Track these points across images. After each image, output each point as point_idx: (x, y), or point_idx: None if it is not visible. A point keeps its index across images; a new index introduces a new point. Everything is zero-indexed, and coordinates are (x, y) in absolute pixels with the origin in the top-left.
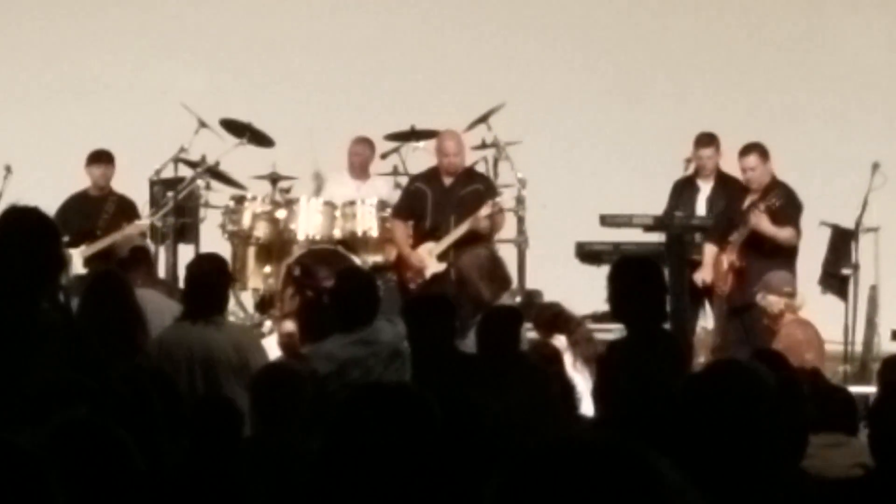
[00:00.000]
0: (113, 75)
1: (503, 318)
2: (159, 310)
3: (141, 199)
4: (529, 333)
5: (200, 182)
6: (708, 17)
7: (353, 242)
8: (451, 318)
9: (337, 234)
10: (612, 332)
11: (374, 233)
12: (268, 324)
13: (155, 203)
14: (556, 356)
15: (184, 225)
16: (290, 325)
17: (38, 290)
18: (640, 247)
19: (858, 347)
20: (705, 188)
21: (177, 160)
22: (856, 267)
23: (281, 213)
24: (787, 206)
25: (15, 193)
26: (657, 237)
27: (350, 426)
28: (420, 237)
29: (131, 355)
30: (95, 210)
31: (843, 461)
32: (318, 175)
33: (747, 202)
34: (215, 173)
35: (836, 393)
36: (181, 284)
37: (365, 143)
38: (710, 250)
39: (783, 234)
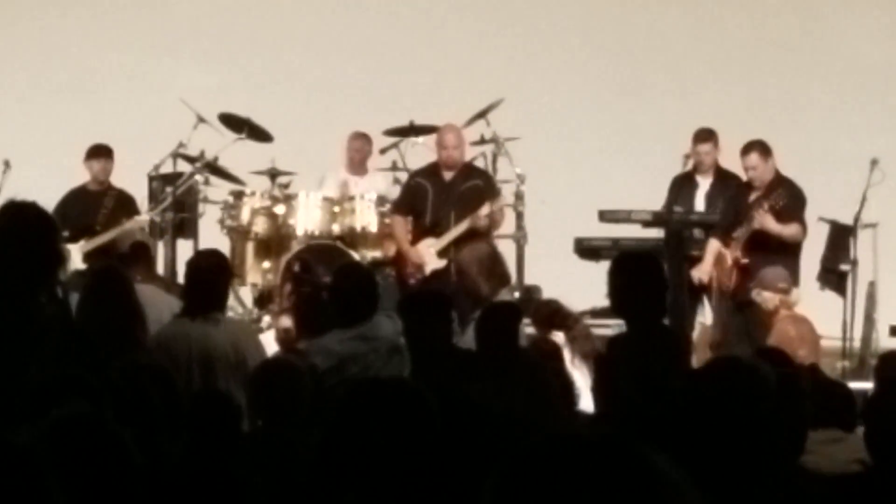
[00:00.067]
0: (112, 71)
1: (502, 314)
2: (158, 306)
3: (140, 195)
4: (528, 329)
5: (199, 177)
6: (707, 14)
7: (351, 238)
8: (448, 314)
9: (336, 229)
10: (611, 327)
11: (373, 228)
12: (266, 319)
13: (154, 198)
14: (555, 352)
15: (182, 220)
16: (286, 321)
17: (37, 285)
18: (639, 242)
19: (857, 343)
20: (704, 184)
21: (175, 155)
22: (854, 263)
23: (280, 209)
24: (791, 203)
25: (14, 188)
26: (656, 233)
27: (348, 421)
28: (420, 233)
29: (131, 351)
30: (95, 205)
31: (841, 457)
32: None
33: (752, 198)
34: (214, 168)
35: (835, 388)
36: (180, 280)
37: (363, 139)
38: (713, 245)
39: (788, 231)
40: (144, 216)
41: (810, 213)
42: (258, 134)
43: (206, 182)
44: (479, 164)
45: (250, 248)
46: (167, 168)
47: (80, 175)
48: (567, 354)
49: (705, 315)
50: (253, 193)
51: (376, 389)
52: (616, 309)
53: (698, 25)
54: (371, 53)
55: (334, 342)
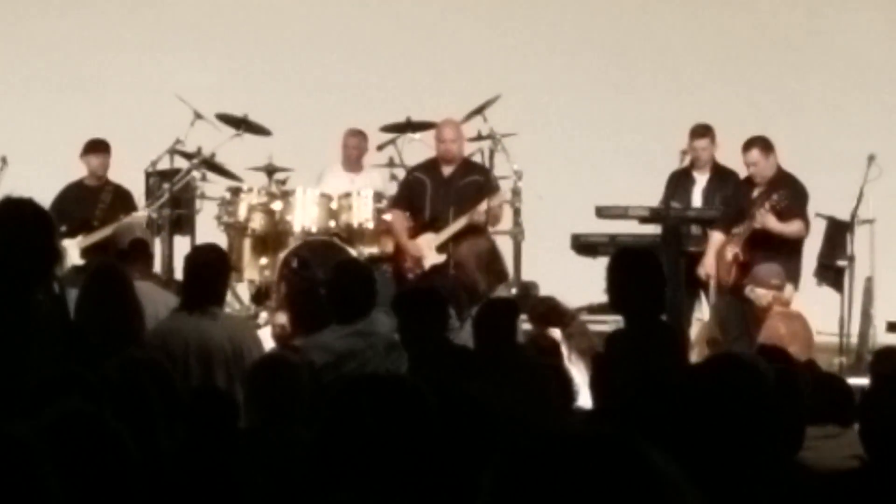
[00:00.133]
0: (109, 67)
1: (500, 310)
2: (155, 303)
3: (137, 191)
4: (524, 326)
5: (196, 173)
6: (704, 9)
7: (348, 234)
8: (442, 310)
9: (333, 225)
10: (608, 324)
11: (370, 224)
12: (263, 315)
13: (151, 194)
14: (554, 348)
15: (180, 216)
16: (283, 317)
17: (34, 281)
18: (636, 238)
19: (854, 339)
20: (701, 180)
21: (173, 152)
22: (851, 259)
23: (277, 205)
24: (793, 201)
25: (11, 185)
26: (653, 229)
27: (345, 417)
28: (419, 227)
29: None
30: (92, 200)
31: (838, 453)
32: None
33: (754, 194)
34: (211, 165)
35: (833, 382)
36: (177, 276)
37: (359, 136)
38: (716, 239)
39: (791, 228)
40: (142, 212)
41: (808, 209)
42: (256, 128)
43: (204, 178)
44: (476, 160)
45: (247, 244)
46: (164, 164)
47: (77, 172)
48: (564, 351)
49: (703, 311)
50: (250, 190)
51: (372, 385)
52: (614, 305)
53: (695, 22)
54: (368, 50)
55: (332, 338)
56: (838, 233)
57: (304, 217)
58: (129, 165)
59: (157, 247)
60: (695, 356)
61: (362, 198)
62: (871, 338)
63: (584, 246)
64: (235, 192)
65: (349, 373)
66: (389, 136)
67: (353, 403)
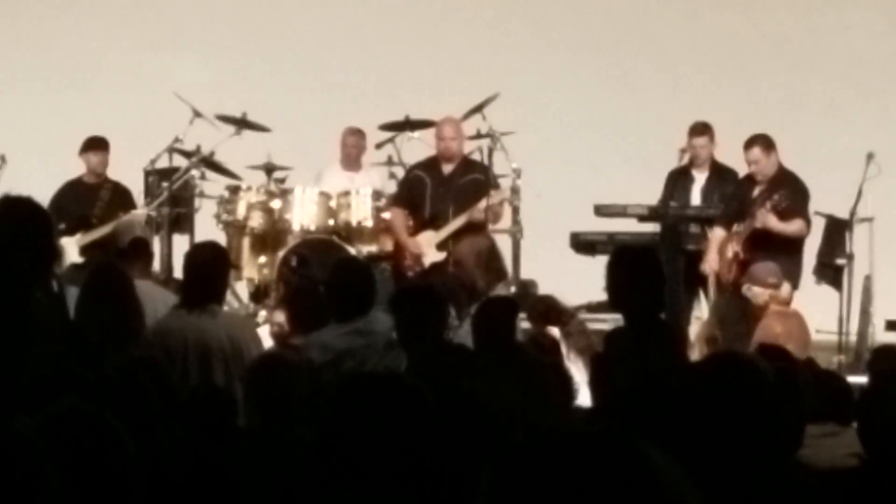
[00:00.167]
0: (108, 66)
1: (499, 308)
2: (155, 302)
3: (136, 190)
4: (523, 324)
5: (195, 172)
6: (703, 8)
7: (347, 232)
8: (439, 309)
9: (331, 224)
10: (607, 322)
11: (369, 223)
12: (262, 314)
13: (150, 193)
14: (554, 347)
15: (179, 215)
16: (281, 316)
17: (32, 279)
18: (635, 237)
19: (853, 337)
20: (700, 178)
21: (172, 150)
22: (850, 257)
23: (276, 203)
24: (794, 201)
25: (9, 183)
26: (652, 227)
27: (344, 416)
28: (419, 225)
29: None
30: (91, 197)
31: (838, 451)
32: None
33: (756, 191)
34: (210, 163)
35: (833, 380)
36: (176, 274)
37: (358, 134)
38: (717, 235)
39: (792, 228)
40: (141, 210)
41: None
42: (255, 126)
43: (203, 177)
44: (475, 158)
45: (246, 242)
46: (163, 163)
47: (76, 170)
48: (562, 349)
49: (702, 310)
50: (249, 188)
51: (371, 384)
52: (614, 303)
53: (694, 20)
54: (367, 48)
55: (331, 337)
56: (837, 231)
57: (303, 215)
58: (129, 164)
59: (157, 245)
60: (694, 355)
61: (361, 196)
62: (869, 336)
63: (583, 244)
64: (234, 190)
65: (348, 371)
66: (388, 134)
67: (352, 402)
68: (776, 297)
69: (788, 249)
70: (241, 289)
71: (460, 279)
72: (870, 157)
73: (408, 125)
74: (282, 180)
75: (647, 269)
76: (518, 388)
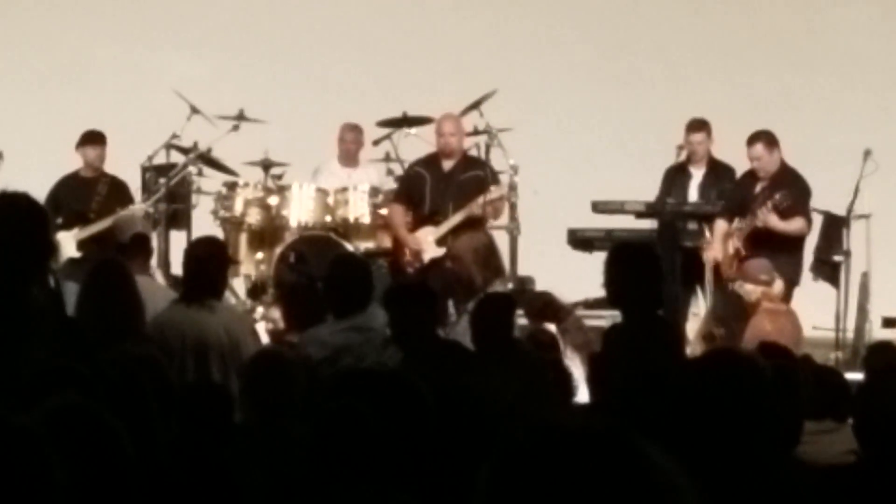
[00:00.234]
0: (105, 62)
1: (497, 305)
2: (155, 297)
3: (133, 186)
4: (520, 321)
5: (192, 168)
6: (701, 4)
7: (345, 229)
8: (433, 305)
9: (329, 220)
10: (604, 318)
11: (366, 219)
12: (259, 310)
13: (147, 189)
14: (552, 343)
15: (176, 211)
16: (277, 312)
17: (29, 275)
18: (632, 233)
19: (850, 334)
20: (697, 174)
21: (169, 146)
22: (847, 254)
23: (273, 200)
24: (795, 199)
25: (6, 180)
26: (649, 224)
27: (341, 412)
28: (418, 222)
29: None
30: (88, 191)
31: (835, 448)
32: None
33: (758, 188)
34: (207, 160)
35: (830, 377)
36: (173, 270)
37: (355, 130)
38: (720, 227)
39: (793, 227)
40: (139, 205)
41: None
42: (252, 120)
43: (200, 173)
44: (473, 154)
45: (244, 239)
46: (160, 159)
47: (73, 166)
48: (560, 346)
49: (699, 306)
50: (246, 184)
51: (368, 380)
52: (612, 299)
53: (691, 16)
54: (364, 44)
55: (328, 333)
56: (834, 228)
57: (301, 212)
58: (126, 160)
59: (154, 241)
60: (691, 351)
61: (358, 193)
62: (867, 333)
63: (581, 241)
64: (231, 186)
65: (345, 367)
66: (385, 131)
67: (350, 398)
68: (768, 294)
69: (789, 247)
70: (239, 285)
71: (457, 275)
72: (867, 153)
73: (405, 122)
74: (279, 176)
75: (646, 265)
76: (516, 384)
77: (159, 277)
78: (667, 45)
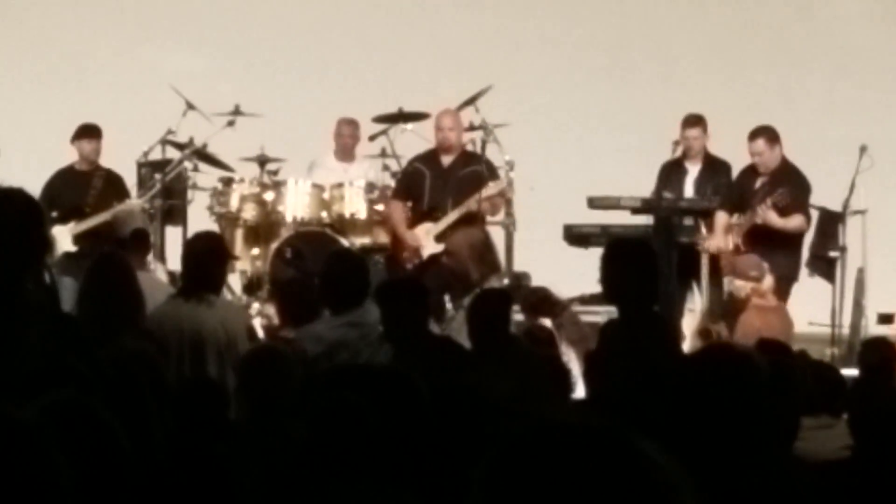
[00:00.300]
0: (101, 57)
1: (493, 301)
2: (154, 292)
3: (129, 181)
4: (516, 316)
5: (188, 164)
6: (696, 0)
7: (340, 225)
8: (424, 301)
9: (325, 216)
10: (600, 314)
11: (362, 215)
12: (255, 306)
13: (143, 185)
14: (550, 339)
15: (171, 207)
16: (272, 308)
17: (24, 271)
18: (628, 229)
19: (846, 330)
20: (693, 170)
21: (164, 142)
22: (843, 249)
23: (269, 195)
24: (795, 197)
25: (1, 175)
26: (645, 219)
27: (336, 408)
28: (417, 217)
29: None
30: (83, 185)
31: (832, 443)
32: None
33: (758, 183)
34: (203, 155)
35: (826, 373)
36: (168, 266)
37: (352, 125)
38: (721, 218)
39: (792, 224)
40: (134, 200)
41: None
42: (248, 114)
43: (195, 169)
44: (472, 150)
45: (239, 234)
46: (156, 155)
47: (68, 161)
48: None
49: (694, 302)
50: (242, 180)
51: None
52: (608, 295)
53: (687, 12)
54: (360, 40)
55: (325, 328)
56: (830, 223)
57: (296, 207)
58: (121, 156)
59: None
60: (686, 347)
61: (354, 188)
62: (862, 328)
63: (576, 236)
64: (227, 182)
65: (341, 363)
66: (381, 126)
67: (345, 394)
68: (757, 290)
69: (788, 244)
70: (234, 281)
71: (453, 270)
72: (863, 149)
73: (401, 117)
74: (275, 172)
75: (642, 261)
76: (513, 380)
77: (161, 272)
78: (663, 41)
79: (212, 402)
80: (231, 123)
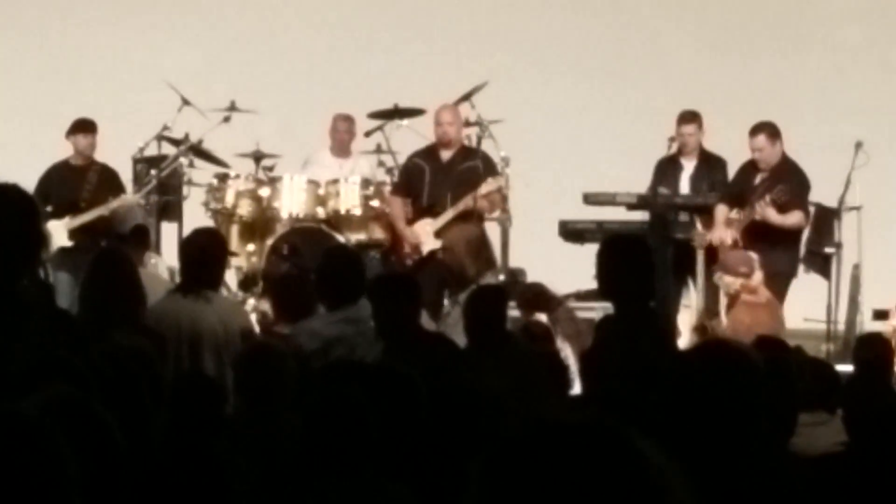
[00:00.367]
0: (97, 52)
1: (489, 297)
2: (154, 289)
3: (124, 177)
4: (512, 312)
5: (184, 160)
6: None
7: (336, 220)
8: (416, 297)
9: (320, 212)
10: (595, 310)
11: (358, 211)
12: (251, 302)
13: (138, 181)
14: (547, 335)
15: (167, 203)
16: (267, 305)
17: (19, 267)
18: (624, 225)
19: (841, 326)
20: (688, 166)
21: (160, 138)
22: (839, 246)
23: (264, 191)
24: (794, 193)
25: None
26: (641, 216)
27: (332, 404)
28: (417, 213)
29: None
30: (78, 180)
31: (828, 439)
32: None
33: (758, 179)
34: (199, 151)
35: (821, 369)
36: (166, 261)
37: (348, 121)
38: (721, 211)
39: (790, 220)
40: (130, 196)
41: None
42: (244, 109)
43: (191, 165)
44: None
45: (235, 230)
46: (152, 151)
47: (64, 156)
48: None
49: (690, 298)
50: (237, 176)
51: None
52: (604, 291)
53: (682, 7)
54: (355, 36)
55: (321, 324)
56: (826, 220)
57: (292, 203)
58: (117, 152)
59: None
60: (682, 343)
61: (350, 184)
62: (858, 325)
63: (572, 232)
64: (223, 178)
65: (337, 359)
66: (377, 122)
67: (341, 390)
68: (747, 286)
69: (787, 240)
70: (230, 277)
71: (449, 266)
72: (858, 145)
73: (397, 113)
74: (270, 168)
75: (638, 257)
76: (510, 376)
77: (162, 267)
78: (658, 36)
79: (209, 399)
80: (227, 119)
